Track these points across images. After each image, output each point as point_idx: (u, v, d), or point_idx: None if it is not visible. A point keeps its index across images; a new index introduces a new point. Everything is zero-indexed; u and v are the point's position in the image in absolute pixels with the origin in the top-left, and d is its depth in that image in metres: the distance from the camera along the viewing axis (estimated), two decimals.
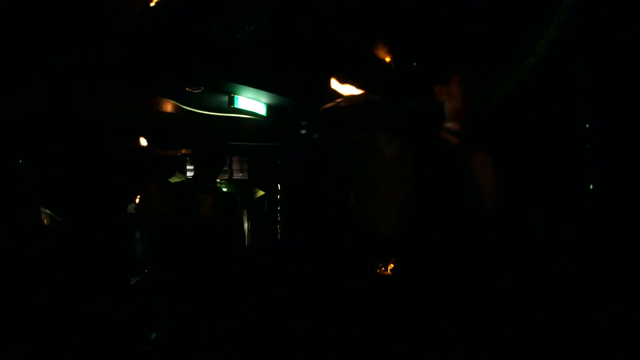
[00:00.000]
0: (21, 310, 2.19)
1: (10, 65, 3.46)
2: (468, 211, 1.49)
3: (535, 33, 2.69)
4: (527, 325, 1.46)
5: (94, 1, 3.06)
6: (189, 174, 6.13)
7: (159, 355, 2.91)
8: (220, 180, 7.73)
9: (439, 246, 1.49)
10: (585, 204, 2.40)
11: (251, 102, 4.65)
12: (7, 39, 3.16)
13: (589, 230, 2.36)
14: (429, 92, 1.66)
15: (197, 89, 4.39)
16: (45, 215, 2.76)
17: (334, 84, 1.60)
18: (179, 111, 4.52)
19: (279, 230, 6.45)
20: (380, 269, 3.58)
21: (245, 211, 8.41)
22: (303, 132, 4.85)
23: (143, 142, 2.83)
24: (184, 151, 2.97)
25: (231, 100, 4.54)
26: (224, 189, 7.74)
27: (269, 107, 4.80)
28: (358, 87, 1.59)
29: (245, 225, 8.44)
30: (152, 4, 3.10)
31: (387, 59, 3.34)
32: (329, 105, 1.58)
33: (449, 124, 1.59)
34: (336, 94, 1.59)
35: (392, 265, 3.57)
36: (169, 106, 4.51)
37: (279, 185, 6.59)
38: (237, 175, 8.00)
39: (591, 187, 2.36)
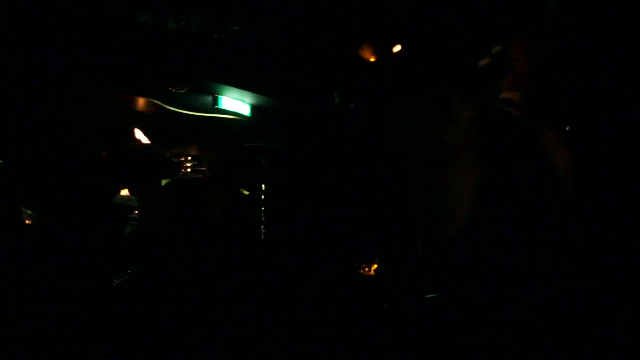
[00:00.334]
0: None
1: None
2: (546, 200, 1.24)
3: None
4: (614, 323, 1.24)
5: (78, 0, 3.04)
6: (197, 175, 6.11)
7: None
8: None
9: (516, 243, 1.24)
10: None
11: (235, 102, 4.65)
12: None
13: None
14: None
15: (181, 89, 4.38)
16: (26, 215, 2.73)
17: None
18: (161, 111, 4.50)
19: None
20: (363, 269, 3.56)
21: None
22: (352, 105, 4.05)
23: (144, 140, 2.80)
24: (194, 152, 2.97)
25: (215, 101, 4.54)
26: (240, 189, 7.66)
27: (253, 108, 4.78)
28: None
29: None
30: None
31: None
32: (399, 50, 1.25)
33: (508, 94, 1.33)
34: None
35: (375, 265, 3.56)
36: (150, 106, 4.48)
37: (263, 185, 6.54)
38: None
39: None
